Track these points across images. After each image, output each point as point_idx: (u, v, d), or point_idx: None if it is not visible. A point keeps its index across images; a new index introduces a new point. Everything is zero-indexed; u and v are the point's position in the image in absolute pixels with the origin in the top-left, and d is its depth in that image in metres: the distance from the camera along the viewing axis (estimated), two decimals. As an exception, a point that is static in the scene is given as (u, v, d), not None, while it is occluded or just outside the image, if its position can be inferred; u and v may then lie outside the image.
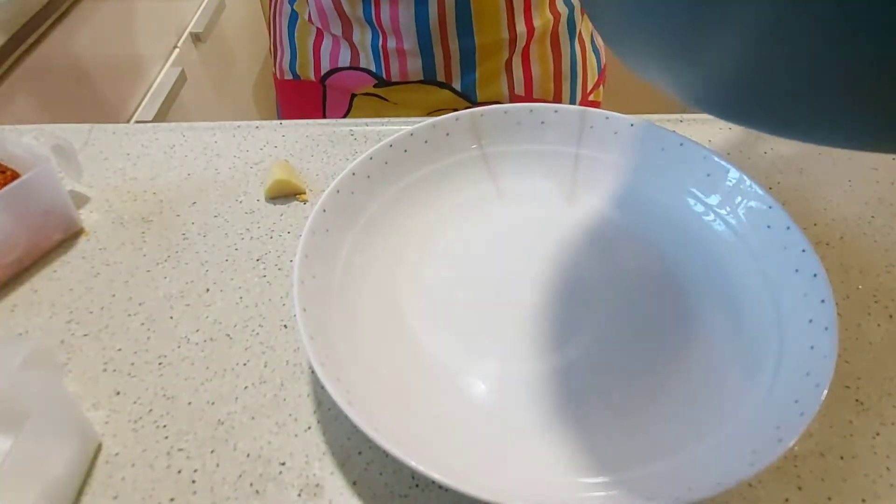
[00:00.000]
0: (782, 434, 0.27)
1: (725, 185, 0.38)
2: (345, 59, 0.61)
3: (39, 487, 0.28)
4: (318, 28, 0.61)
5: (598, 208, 0.41)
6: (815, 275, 0.32)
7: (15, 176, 0.40)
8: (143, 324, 0.38)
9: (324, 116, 0.67)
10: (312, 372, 0.35)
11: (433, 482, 0.31)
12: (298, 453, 0.32)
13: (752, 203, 0.36)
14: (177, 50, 1.04)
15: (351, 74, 0.62)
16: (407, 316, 0.36)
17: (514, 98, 0.61)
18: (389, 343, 0.35)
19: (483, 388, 0.33)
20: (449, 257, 0.39)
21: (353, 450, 0.32)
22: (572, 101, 0.65)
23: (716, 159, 0.38)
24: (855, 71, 0.16)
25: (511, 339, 0.35)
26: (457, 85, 0.60)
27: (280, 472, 0.31)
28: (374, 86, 0.62)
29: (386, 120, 0.50)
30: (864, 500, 0.30)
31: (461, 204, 0.42)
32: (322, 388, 0.34)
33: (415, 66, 0.58)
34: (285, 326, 0.37)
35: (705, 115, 0.48)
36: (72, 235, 0.43)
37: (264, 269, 0.40)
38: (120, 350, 0.36)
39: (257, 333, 0.37)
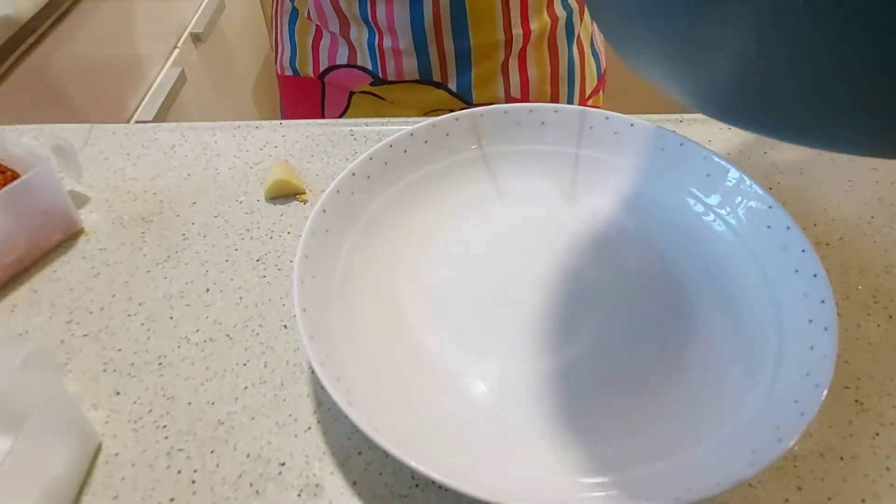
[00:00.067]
0: (782, 434, 0.27)
1: (725, 185, 0.38)
2: (342, 56, 0.61)
3: (39, 487, 0.28)
4: (317, 25, 0.61)
5: (598, 208, 0.41)
6: (814, 275, 0.32)
7: (15, 176, 0.40)
8: (143, 324, 0.38)
9: (322, 113, 0.67)
10: (312, 372, 0.35)
11: (433, 482, 0.31)
12: (298, 453, 0.32)
13: (752, 203, 0.36)
14: (177, 50, 1.04)
15: (349, 72, 0.62)
16: (407, 316, 0.36)
17: (510, 100, 0.61)
18: (389, 343, 0.35)
19: (483, 388, 0.33)
20: (449, 257, 0.39)
21: (353, 450, 0.32)
22: None
23: (716, 159, 0.38)
24: (854, 73, 0.16)
25: (511, 339, 0.35)
26: (452, 86, 0.60)
27: (280, 472, 0.31)
28: (371, 84, 0.62)
29: (386, 120, 0.50)
30: (863, 500, 0.30)
31: (461, 204, 0.42)
32: (322, 388, 0.34)
33: (410, 65, 0.58)
34: (285, 326, 0.37)
35: (705, 116, 0.48)
36: (72, 235, 0.43)
37: (264, 269, 0.40)
38: (120, 350, 0.36)
39: (257, 334, 0.37)
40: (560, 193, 0.42)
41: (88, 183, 0.46)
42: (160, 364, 0.36)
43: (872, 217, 0.42)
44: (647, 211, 0.40)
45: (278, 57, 0.67)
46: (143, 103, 0.93)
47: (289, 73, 0.66)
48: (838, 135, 0.19)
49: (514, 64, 0.60)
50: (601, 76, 0.69)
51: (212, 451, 0.32)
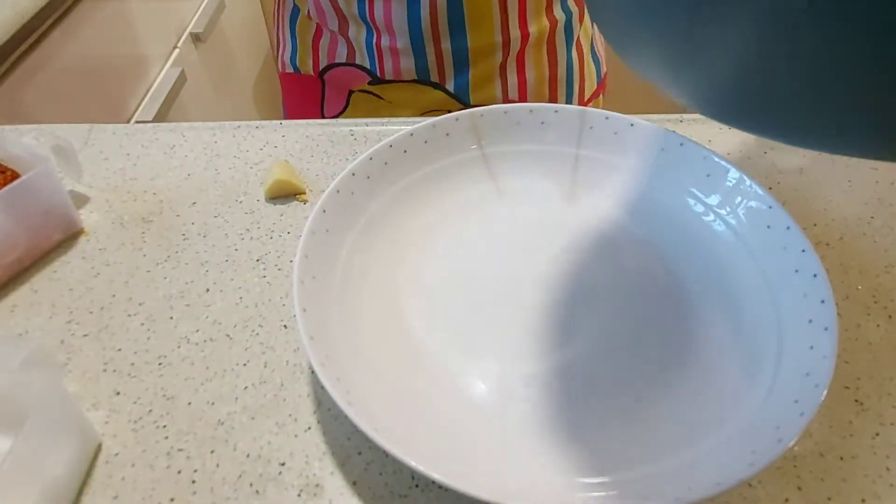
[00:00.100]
0: (782, 434, 0.27)
1: (725, 185, 0.38)
2: (342, 55, 0.61)
3: (39, 487, 0.28)
4: (317, 23, 0.61)
5: (598, 208, 0.41)
6: (814, 275, 0.32)
7: (15, 176, 0.40)
8: (143, 324, 0.38)
9: (322, 110, 0.67)
10: (312, 372, 0.35)
11: (433, 482, 0.31)
12: (298, 453, 0.32)
13: (752, 203, 0.36)
14: (177, 50, 1.04)
15: (347, 70, 0.62)
16: (407, 316, 0.36)
17: (507, 102, 0.61)
18: (389, 343, 0.35)
19: (483, 388, 0.33)
20: (449, 257, 0.39)
21: (353, 450, 0.32)
22: None
23: (716, 159, 0.38)
24: (854, 74, 0.16)
25: (511, 339, 0.35)
26: (450, 86, 0.60)
27: (280, 472, 0.31)
28: (369, 83, 0.62)
29: (386, 120, 0.50)
30: (863, 500, 0.30)
31: (461, 204, 0.42)
32: (322, 388, 0.34)
33: (408, 65, 0.59)
34: (285, 326, 0.37)
35: (705, 117, 0.48)
36: (72, 235, 0.43)
37: (264, 269, 0.40)
38: (120, 350, 0.36)
39: (257, 334, 0.37)
40: (560, 193, 0.42)
41: (88, 183, 0.46)
42: (160, 364, 0.36)
43: (872, 217, 0.42)
44: (647, 211, 0.40)
45: (280, 54, 0.68)
46: (143, 103, 0.94)
47: (290, 70, 0.67)
48: (838, 136, 0.19)
49: (511, 66, 0.60)
50: (601, 80, 0.69)
51: (212, 451, 0.32)
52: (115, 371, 0.35)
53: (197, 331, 0.37)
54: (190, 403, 0.34)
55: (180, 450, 0.32)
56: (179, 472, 0.31)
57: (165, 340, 0.37)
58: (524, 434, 0.31)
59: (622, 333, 0.35)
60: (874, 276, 0.39)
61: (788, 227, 0.34)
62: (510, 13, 0.56)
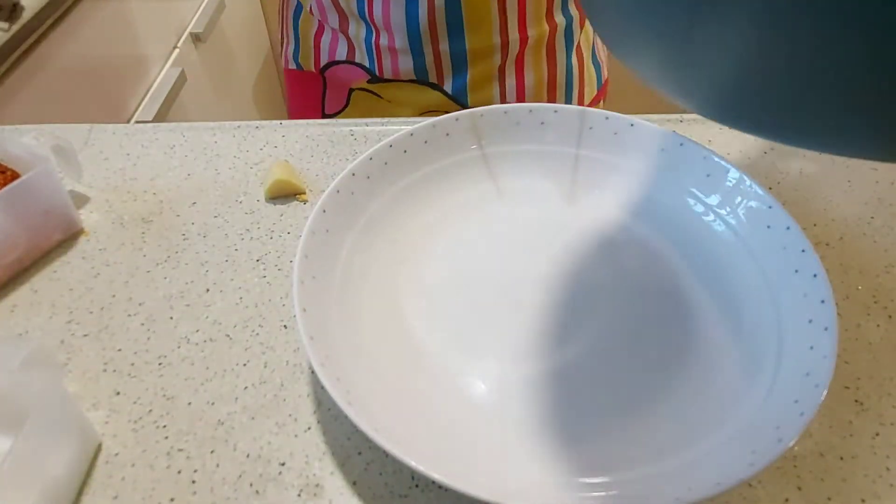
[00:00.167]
0: (782, 434, 0.27)
1: (725, 185, 0.38)
2: (342, 52, 0.62)
3: (39, 487, 0.28)
4: (318, 20, 0.61)
5: (598, 208, 0.41)
6: (814, 275, 0.32)
7: (15, 176, 0.40)
8: (143, 324, 0.38)
9: (323, 107, 0.68)
10: (312, 372, 0.35)
11: (433, 482, 0.31)
12: (298, 453, 0.32)
13: (752, 203, 0.36)
14: (177, 50, 1.04)
15: (347, 68, 0.62)
16: (407, 316, 0.36)
17: None
18: (389, 343, 0.35)
19: (483, 388, 0.33)
20: (449, 257, 0.39)
21: (353, 450, 0.32)
22: None
23: (716, 159, 0.38)
24: (852, 74, 0.16)
25: (511, 339, 0.35)
26: (448, 87, 0.60)
27: (280, 472, 0.31)
28: (368, 81, 0.62)
29: (385, 120, 0.50)
30: (863, 500, 0.30)
31: (461, 204, 0.42)
32: (322, 388, 0.34)
33: (406, 64, 0.59)
34: (285, 327, 0.37)
35: (704, 118, 0.48)
36: (72, 235, 0.43)
37: (264, 269, 0.40)
38: (120, 350, 0.36)
39: (257, 334, 0.37)
40: (560, 193, 0.42)
41: (88, 183, 0.46)
42: (160, 364, 0.36)
43: (872, 217, 0.42)
44: (647, 211, 0.40)
45: (283, 50, 0.68)
46: (143, 103, 0.93)
47: (292, 66, 0.67)
48: (837, 137, 0.19)
49: (510, 69, 0.60)
50: (602, 86, 0.68)
51: (212, 451, 0.32)
52: (115, 371, 0.35)
53: (197, 331, 0.37)
54: (190, 403, 0.34)
55: (180, 450, 0.32)
56: (179, 472, 0.31)
57: (165, 340, 0.37)
58: (524, 434, 0.31)
59: (622, 333, 0.35)
60: (874, 276, 0.39)
61: (788, 227, 0.34)
62: (509, 16, 0.56)
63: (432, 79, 0.60)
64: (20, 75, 0.72)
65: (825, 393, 0.28)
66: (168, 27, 1.04)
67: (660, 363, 0.34)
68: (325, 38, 0.62)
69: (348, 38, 0.60)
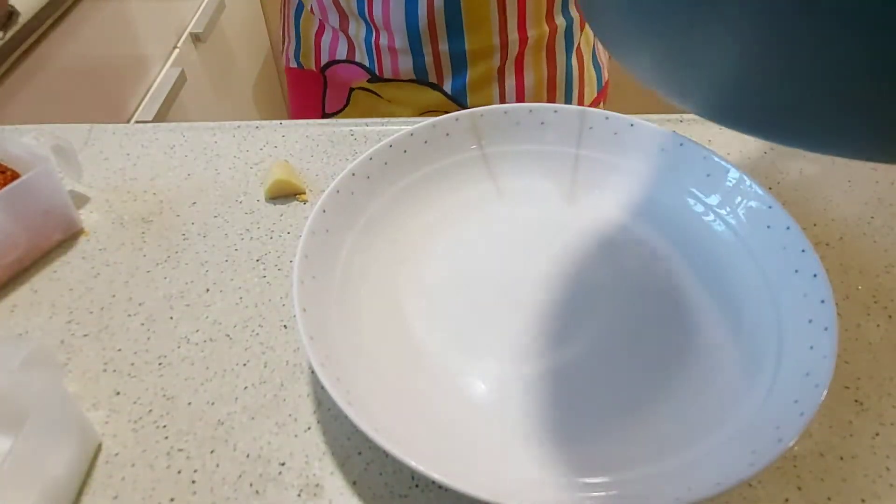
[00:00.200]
0: (782, 434, 0.27)
1: (725, 185, 0.38)
2: (342, 51, 0.62)
3: (39, 487, 0.28)
4: (320, 19, 0.61)
5: (598, 208, 0.41)
6: (814, 275, 0.32)
7: (15, 176, 0.40)
8: (143, 324, 0.38)
9: (323, 106, 0.68)
10: (312, 372, 0.35)
11: (433, 482, 0.31)
12: (298, 453, 0.32)
13: (752, 203, 0.36)
14: (177, 50, 1.04)
15: (348, 67, 0.62)
16: (407, 316, 0.36)
17: None
18: (389, 343, 0.35)
19: (483, 388, 0.33)
20: (449, 257, 0.39)
21: (353, 450, 0.32)
22: None
23: (716, 159, 0.38)
24: (849, 75, 0.16)
25: (511, 338, 0.35)
26: (447, 87, 0.60)
27: (280, 472, 0.31)
28: (368, 80, 0.62)
29: (385, 120, 0.50)
30: (863, 501, 0.30)
31: (461, 204, 0.42)
32: (322, 388, 0.34)
33: (406, 64, 0.59)
34: (285, 326, 0.37)
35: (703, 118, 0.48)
36: (72, 235, 0.43)
37: (264, 269, 0.40)
38: (120, 350, 0.36)
39: (257, 334, 0.37)
40: (560, 193, 0.42)
41: (88, 183, 0.46)
42: (160, 364, 0.36)
43: (872, 217, 0.42)
44: (647, 211, 0.40)
45: (284, 48, 0.69)
46: (143, 103, 0.93)
47: (293, 65, 0.67)
48: (836, 138, 0.19)
49: (509, 70, 0.60)
50: (603, 87, 0.68)
51: (212, 451, 0.32)
52: (115, 371, 0.35)
53: (197, 331, 0.37)
54: (190, 403, 0.34)
55: (180, 450, 0.32)
56: (179, 472, 0.31)
57: (165, 340, 0.37)
58: (524, 434, 0.31)
59: (622, 333, 0.35)
60: (874, 276, 0.39)
61: (788, 227, 0.34)
62: (509, 16, 0.56)
63: (432, 79, 0.60)
64: (20, 76, 0.72)
65: (825, 393, 0.28)
66: (168, 27, 1.04)
67: (660, 363, 0.34)
68: (326, 38, 0.62)
69: (348, 38, 0.60)
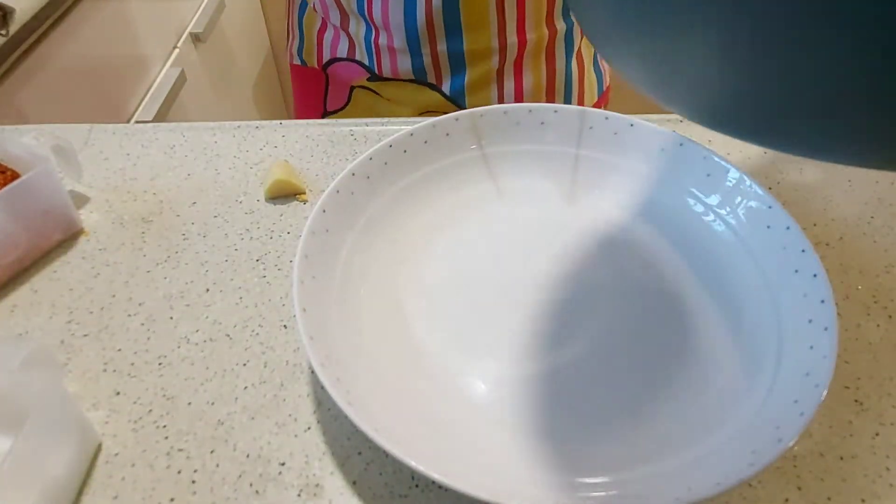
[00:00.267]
0: (782, 434, 0.27)
1: (725, 185, 0.38)
2: (343, 50, 0.62)
3: (39, 487, 0.28)
4: (322, 17, 0.62)
5: (598, 209, 0.41)
6: (814, 275, 0.32)
7: (15, 176, 0.40)
8: (143, 324, 0.38)
9: (325, 104, 0.68)
10: (312, 372, 0.35)
11: (433, 482, 0.31)
12: (298, 453, 0.32)
13: (752, 203, 0.36)
14: (177, 50, 1.04)
15: (348, 66, 0.63)
16: (407, 316, 0.36)
17: None
18: (389, 343, 0.35)
19: (483, 388, 0.33)
20: (449, 257, 0.39)
21: (353, 450, 0.32)
22: None
23: (716, 159, 0.38)
24: (833, 81, 0.16)
25: (511, 338, 0.35)
26: (446, 88, 0.60)
27: (280, 472, 0.31)
28: (368, 79, 0.62)
29: (385, 120, 0.50)
30: (863, 500, 0.30)
31: (461, 204, 0.42)
32: (322, 388, 0.34)
33: (405, 64, 0.59)
34: (285, 326, 0.37)
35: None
36: (72, 235, 0.43)
37: (264, 269, 0.40)
38: (120, 350, 0.36)
39: (257, 334, 0.37)
40: (560, 193, 0.42)
41: (88, 183, 0.46)
42: (160, 364, 0.36)
43: (872, 217, 0.42)
44: (647, 211, 0.40)
45: (289, 45, 0.69)
46: (143, 103, 0.93)
47: (297, 61, 0.68)
48: (826, 143, 0.19)
49: (508, 72, 0.60)
50: (603, 93, 0.68)
51: (212, 451, 0.32)
52: (115, 371, 0.35)
53: (197, 331, 0.37)
54: (190, 403, 0.34)
55: (180, 450, 0.32)
56: (179, 472, 0.31)
57: (165, 340, 0.37)
58: (524, 434, 0.31)
59: (622, 333, 0.35)
60: (874, 276, 0.39)
61: (788, 227, 0.34)
62: (508, 18, 0.56)
63: (430, 79, 0.60)
64: (20, 75, 0.72)
65: (825, 393, 0.28)
66: (168, 27, 1.04)
67: (660, 363, 0.34)
68: (328, 35, 0.62)
69: (349, 36, 0.60)
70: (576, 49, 0.62)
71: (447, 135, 0.42)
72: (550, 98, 0.63)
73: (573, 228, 0.40)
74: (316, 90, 0.68)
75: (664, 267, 0.38)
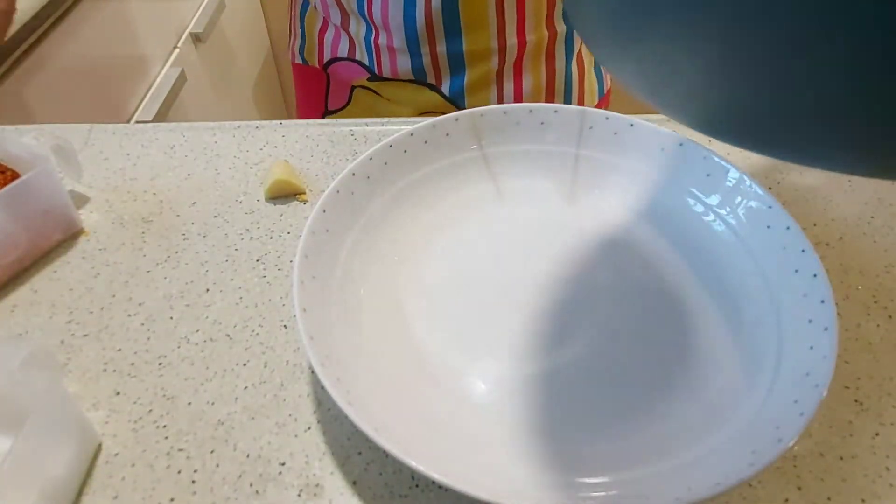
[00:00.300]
0: (782, 434, 0.27)
1: (725, 185, 0.38)
2: (343, 49, 0.62)
3: (39, 487, 0.28)
4: (323, 17, 0.62)
5: (598, 208, 0.41)
6: (814, 275, 0.32)
7: (15, 176, 0.40)
8: (143, 324, 0.38)
9: (326, 103, 0.68)
10: (312, 372, 0.35)
11: (433, 482, 0.31)
12: (298, 453, 0.32)
13: (752, 203, 0.36)
14: (177, 50, 1.04)
15: (348, 65, 0.63)
16: (407, 316, 0.36)
17: None
18: (389, 343, 0.35)
19: (483, 387, 0.33)
20: (449, 257, 0.39)
21: (353, 450, 0.32)
22: None
23: (716, 159, 0.38)
24: (830, 90, 0.16)
25: (511, 338, 0.35)
26: (445, 89, 0.60)
27: (280, 472, 0.31)
28: (368, 79, 0.62)
29: (385, 120, 0.50)
30: (863, 500, 0.30)
31: (461, 204, 0.42)
32: (322, 388, 0.34)
33: (404, 64, 0.59)
34: (285, 326, 0.37)
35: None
36: (72, 235, 0.43)
37: (264, 269, 0.40)
38: (120, 350, 0.36)
39: (257, 334, 0.37)
40: (560, 193, 0.42)
41: (88, 183, 0.46)
42: (160, 364, 0.36)
43: (872, 217, 0.42)
44: (648, 211, 0.40)
45: (290, 44, 0.69)
46: (143, 103, 0.93)
47: (298, 60, 0.68)
48: (822, 152, 0.19)
49: (508, 73, 0.60)
50: (604, 95, 0.68)
51: (212, 451, 0.32)
52: (115, 371, 0.35)
53: (197, 331, 0.37)
54: (190, 403, 0.34)
55: (180, 450, 0.32)
56: (179, 472, 0.31)
57: (165, 340, 0.37)
58: (524, 434, 0.31)
59: (622, 333, 0.35)
60: (874, 276, 0.39)
61: (788, 227, 0.34)
62: (507, 20, 0.56)
63: (430, 79, 0.60)
64: (20, 75, 0.72)
65: (825, 393, 0.28)
66: (168, 27, 1.04)
67: (660, 363, 0.34)
68: (329, 35, 0.62)
69: (350, 36, 0.60)
70: (576, 51, 0.62)
71: (447, 135, 0.42)
72: (550, 100, 0.63)
73: (573, 228, 0.40)
74: (317, 89, 0.68)
75: (664, 267, 0.38)
